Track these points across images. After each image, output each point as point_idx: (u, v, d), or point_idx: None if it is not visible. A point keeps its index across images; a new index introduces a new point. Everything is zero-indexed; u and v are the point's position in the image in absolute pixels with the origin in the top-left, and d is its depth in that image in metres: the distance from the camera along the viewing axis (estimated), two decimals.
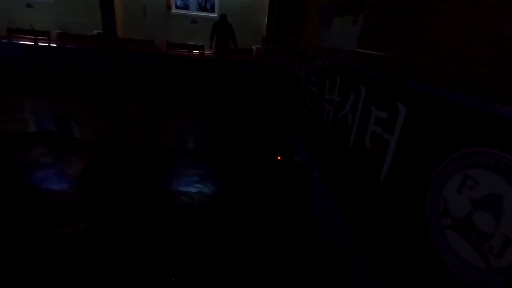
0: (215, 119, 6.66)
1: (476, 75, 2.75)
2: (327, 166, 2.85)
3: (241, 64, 9.28)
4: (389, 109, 1.77)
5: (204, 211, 3.03)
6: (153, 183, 3.50)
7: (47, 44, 8.57)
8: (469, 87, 2.75)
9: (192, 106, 7.46)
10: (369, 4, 5.09)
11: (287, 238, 2.74)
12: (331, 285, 2.25)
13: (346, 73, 2.58)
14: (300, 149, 3.74)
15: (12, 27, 8.95)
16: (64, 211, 2.81)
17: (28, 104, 6.29)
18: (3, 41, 8.36)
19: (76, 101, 6.85)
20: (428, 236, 1.31)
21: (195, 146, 5.01)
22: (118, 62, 8.83)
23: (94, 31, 9.83)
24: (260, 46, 10.15)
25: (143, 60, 8.89)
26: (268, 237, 2.73)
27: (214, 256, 2.42)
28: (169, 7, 10.62)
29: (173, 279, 2.12)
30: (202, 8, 10.95)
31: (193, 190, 3.37)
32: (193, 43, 10.05)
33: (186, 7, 10.85)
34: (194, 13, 10.90)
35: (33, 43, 8.35)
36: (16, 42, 8.44)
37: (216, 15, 10.40)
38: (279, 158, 4.45)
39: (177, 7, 10.81)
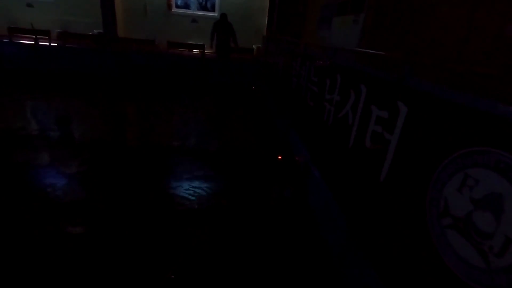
0: (215, 119, 6.65)
1: (477, 74, 2.74)
2: (328, 165, 2.85)
3: (241, 64, 9.28)
4: (389, 108, 1.77)
5: (204, 210, 3.03)
6: (153, 181, 3.50)
7: (47, 44, 8.58)
8: (470, 87, 2.75)
9: (192, 105, 7.46)
10: (370, 3, 5.08)
11: (287, 237, 2.75)
12: (331, 284, 2.25)
13: (346, 73, 2.58)
14: (301, 149, 3.75)
15: (13, 26, 8.96)
16: (64, 211, 2.82)
17: (29, 104, 6.30)
18: (4, 40, 8.37)
19: (76, 101, 6.86)
20: (429, 235, 1.31)
21: (195, 146, 5.01)
22: (119, 61, 8.83)
23: (94, 31, 9.83)
24: (260, 46, 10.15)
25: (143, 60, 8.90)
26: (269, 236, 2.73)
27: (214, 255, 2.42)
28: (169, 6, 10.62)
29: (173, 276, 2.13)
30: (203, 8, 10.95)
31: (193, 189, 3.37)
32: (193, 43, 10.05)
33: (186, 6, 10.85)
34: (195, 13, 10.90)
35: (33, 43, 8.36)
36: (16, 41, 8.45)
37: (216, 14, 10.40)
38: (279, 157, 4.45)
39: (177, 7, 10.81)
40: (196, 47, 9.66)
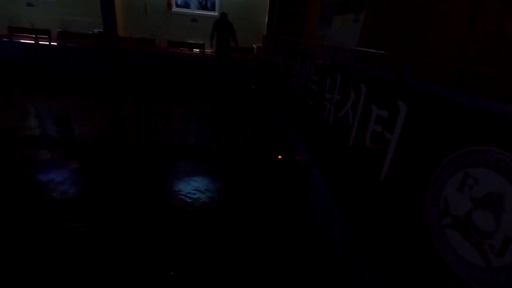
0: (215, 118, 6.65)
1: (477, 73, 2.74)
2: (328, 165, 2.85)
3: (241, 63, 9.27)
4: (389, 108, 1.77)
5: (203, 210, 3.04)
6: (153, 180, 3.50)
7: (47, 43, 8.58)
8: (470, 86, 2.75)
9: (192, 104, 7.46)
10: (370, 2, 5.07)
11: (287, 237, 2.75)
12: (331, 284, 2.25)
13: (346, 72, 2.58)
14: (301, 148, 3.74)
15: (13, 25, 8.96)
16: (65, 209, 2.82)
17: (29, 103, 6.30)
18: (4, 39, 8.37)
19: (76, 100, 6.86)
20: (429, 234, 1.31)
21: (195, 145, 5.01)
22: (119, 60, 8.83)
23: (94, 30, 9.83)
24: (260, 45, 10.14)
25: (143, 59, 8.89)
26: (269, 236, 2.73)
27: (214, 255, 2.42)
28: (169, 5, 10.61)
29: (172, 273, 2.14)
30: (203, 7, 10.94)
31: (193, 189, 3.37)
32: (193, 42, 10.05)
33: (186, 5, 10.84)
34: (195, 12, 10.89)
35: (33, 42, 8.36)
36: (17, 40, 8.45)
37: (216, 14, 10.39)
38: (279, 157, 4.45)
39: (177, 6, 10.80)
40: (196, 46, 9.66)
